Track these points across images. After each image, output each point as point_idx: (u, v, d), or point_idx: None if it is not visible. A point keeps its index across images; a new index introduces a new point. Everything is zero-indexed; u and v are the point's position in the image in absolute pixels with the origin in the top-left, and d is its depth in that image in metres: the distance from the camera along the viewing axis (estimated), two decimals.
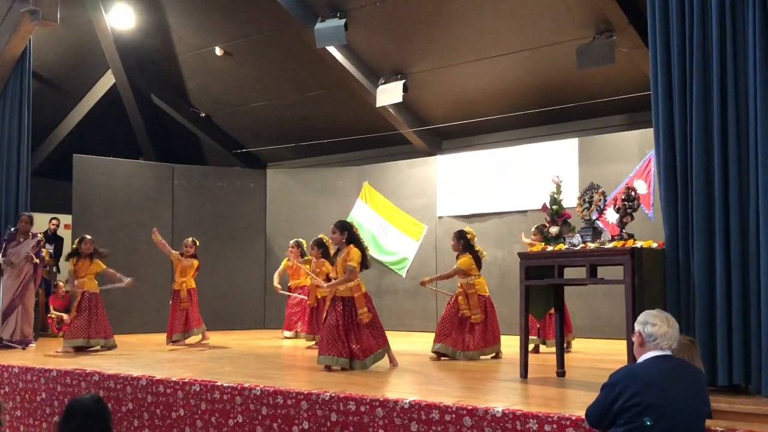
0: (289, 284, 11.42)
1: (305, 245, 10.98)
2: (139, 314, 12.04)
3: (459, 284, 8.71)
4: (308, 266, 10.23)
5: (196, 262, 10.63)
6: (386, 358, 7.67)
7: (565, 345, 9.00)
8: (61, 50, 13.95)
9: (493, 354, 8.54)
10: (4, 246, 9.90)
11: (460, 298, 8.62)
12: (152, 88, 14.87)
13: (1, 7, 10.20)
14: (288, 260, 11.17)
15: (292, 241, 11.15)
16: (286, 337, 11.16)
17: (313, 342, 9.85)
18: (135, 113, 15.05)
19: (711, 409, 3.72)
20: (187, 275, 10.62)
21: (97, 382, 6.95)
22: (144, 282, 12.00)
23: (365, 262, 7.65)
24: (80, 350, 9.38)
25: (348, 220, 12.58)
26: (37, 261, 10.10)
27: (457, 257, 8.78)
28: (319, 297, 9.93)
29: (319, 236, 10.07)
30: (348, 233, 7.63)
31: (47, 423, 7.25)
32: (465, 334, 8.48)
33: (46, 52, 13.31)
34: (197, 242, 10.72)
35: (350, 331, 7.44)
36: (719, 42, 5.54)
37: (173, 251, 10.59)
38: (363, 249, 7.64)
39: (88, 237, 9.79)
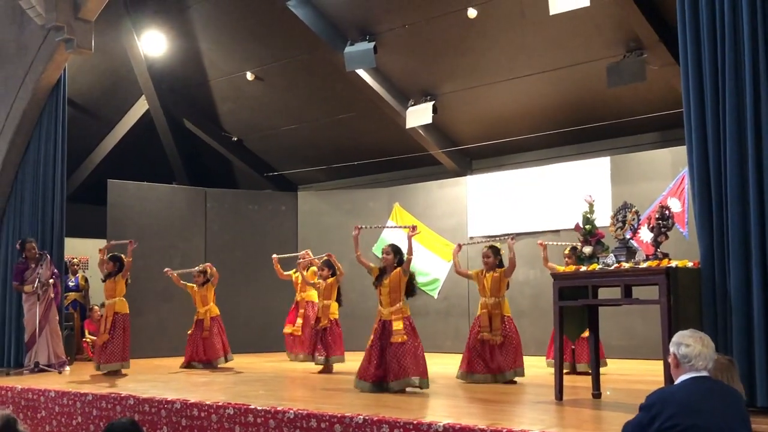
0: (296, 299, 11.51)
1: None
2: (172, 338, 12.10)
3: (482, 304, 8.39)
4: (314, 278, 10.35)
5: (211, 289, 10.75)
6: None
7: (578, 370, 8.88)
8: (96, 77, 14.19)
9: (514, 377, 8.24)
10: (17, 275, 10.02)
11: (482, 319, 8.30)
12: (185, 113, 15.05)
13: (37, 37, 10.39)
14: (296, 271, 11.18)
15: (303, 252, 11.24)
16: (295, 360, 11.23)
17: (324, 365, 9.73)
18: (168, 138, 15.25)
19: (752, 431, 3.65)
20: (208, 303, 10.72)
21: (132, 405, 6.99)
22: (176, 305, 12.09)
23: (412, 288, 7.72)
24: (113, 373, 9.52)
25: (379, 241, 12.67)
26: (55, 280, 10.20)
27: (490, 270, 8.51)
28: (332, 318, 9.84)
29: (326, 257, 10.10)
30: (399, 257, 7.73)
31: None
32: (490, 357, 8.20)
33: (81, 80, 13.54)
34: (207, 270, 10.81)
35: (383, 353, 7.46)
36: (752, 58, 5.50)
37: (188, 284, 10.77)
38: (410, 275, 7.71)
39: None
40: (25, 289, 9.97)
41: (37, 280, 9.89)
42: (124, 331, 9.70)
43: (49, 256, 10.18)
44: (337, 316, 9.93)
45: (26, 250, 10.11)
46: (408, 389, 7.36)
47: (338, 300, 9.95)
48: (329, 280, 9.90)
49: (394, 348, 7.41)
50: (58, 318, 10.27)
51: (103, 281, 9.93)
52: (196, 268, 10.90)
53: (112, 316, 9.66)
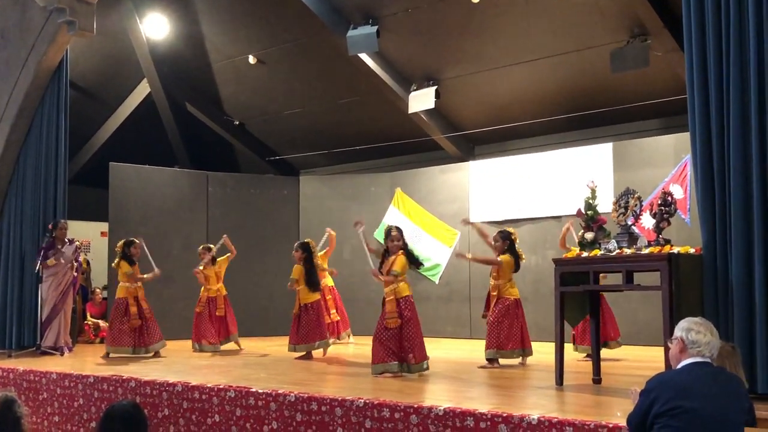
0: None
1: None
2: (174, 321, 12.14)
3: (491, 285, 8.63)
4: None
5: (223, 262, 10.77)
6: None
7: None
8: (98, 60, 14.14)
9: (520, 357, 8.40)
10: (43, 253, 10.03)
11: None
12: (186, 96, 15.00)
13: (39, 18, 10.35)
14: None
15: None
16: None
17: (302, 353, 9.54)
18: (170, 121, 15.20)
19: (754, 417, 3.66)
20: (221, 279, 10.72)
21: (134, 388, 7.01)
22: (178, 288, 12.12)
23: (414, 260, 7.77)
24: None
25: (381, 225, 12.65)
26: (77, 266, 10.31)
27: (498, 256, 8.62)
28: (301, 304, 9.56)
29: (306, 240, 10.01)
30: (404, 241, 7.81)
31: (84, 429, 7.34)
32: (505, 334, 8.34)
33: (83, 62, 13.50)
34: (212, 247, 10.83)
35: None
36: (757, 44, 5.48)
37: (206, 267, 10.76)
38: (409, 253, 7.77)
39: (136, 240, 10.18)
40: (48, 263, 10.01)
41: (39, 262, 9.93)
42: (151, 313, 10.01)
43: (79, 246, 10.33)
44: (310, 301, 9.60)
45: (58, 229, 10.19)
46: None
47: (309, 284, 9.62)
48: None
49: (384, 332, 7.50)
50: (72, 306, 10.42)
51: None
52: (221, 241, 10.87)
53: (136, 303, 9.87)
